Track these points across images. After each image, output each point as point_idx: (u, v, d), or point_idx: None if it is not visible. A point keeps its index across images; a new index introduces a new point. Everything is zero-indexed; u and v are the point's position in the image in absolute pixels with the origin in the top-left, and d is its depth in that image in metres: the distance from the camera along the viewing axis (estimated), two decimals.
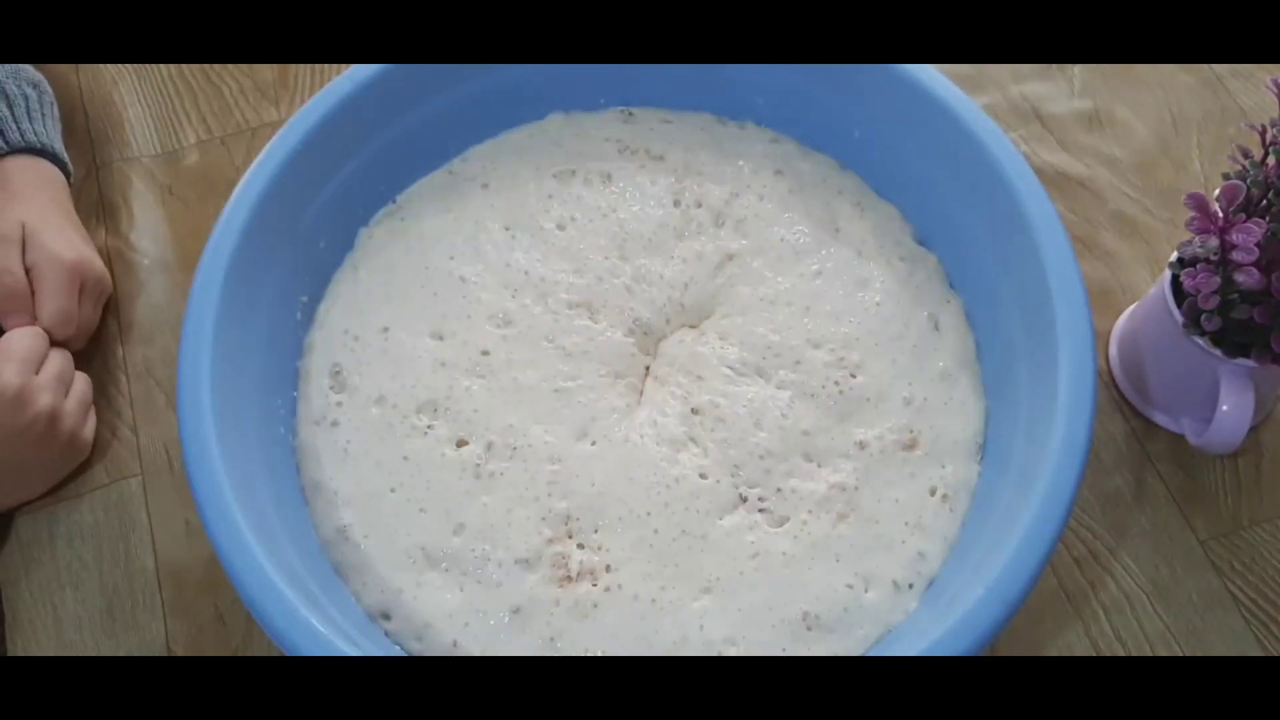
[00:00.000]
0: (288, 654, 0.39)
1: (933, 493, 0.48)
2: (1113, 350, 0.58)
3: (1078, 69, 0.69)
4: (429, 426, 0.49)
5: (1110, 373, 0.58)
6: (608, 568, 0.46)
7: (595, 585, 0.46)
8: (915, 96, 0.52)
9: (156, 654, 0.50)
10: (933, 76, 0.51)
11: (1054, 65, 0.69)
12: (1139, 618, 0.51)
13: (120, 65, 0.69)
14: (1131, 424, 0.56)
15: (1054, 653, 0.50)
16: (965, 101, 0.50)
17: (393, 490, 0.48)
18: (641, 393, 0.51)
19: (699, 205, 0.56)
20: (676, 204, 0.56)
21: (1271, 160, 0.47)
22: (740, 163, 0.57)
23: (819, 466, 0.49)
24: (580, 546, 0.47)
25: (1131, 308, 0.58)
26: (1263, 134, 0.47)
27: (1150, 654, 0.50)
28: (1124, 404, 0.57)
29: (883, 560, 0.46)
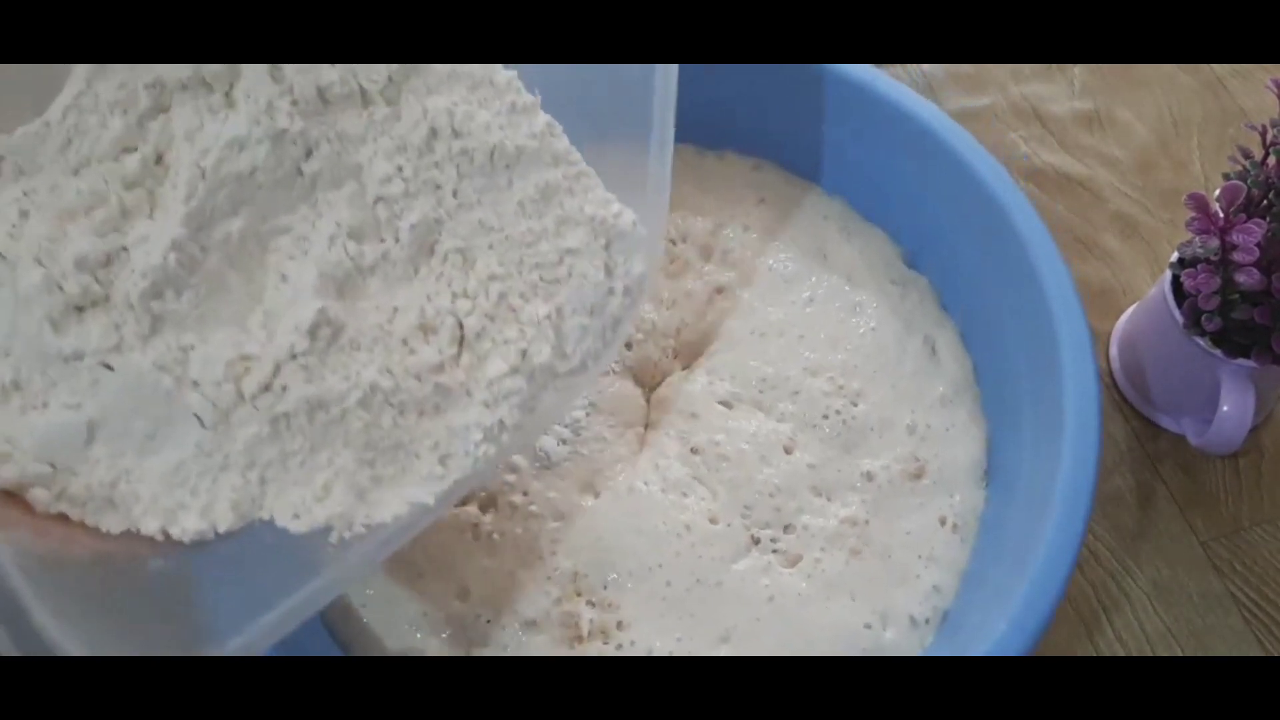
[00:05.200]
0: None
1: (943, 522, 0.48)
2: (1113, 351, 0.58)
3: (1078, 69, 0.69)
4: None
5: (1111, 374, 0.58)
6: (619, 624, 0.45)
7: (607, 644, 0.44)
8: (892, 116, 0.51)
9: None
10: (909, 95, 0.51)
11: (1054, 65, 0.69)
12: (1139, 618, 0.51)
13: None
14: (1132, 425, 0.56)
15: (1054, 653, 0.50)
16: (942, 118, 0.50)
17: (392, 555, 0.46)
18: (643, 441, 0.50)
19: (684, 240, 0.55)
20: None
21: (1272, 160, 0.47)
22: (723, 193, 0.56)
23: (828, 501, 0.48)
24: (590, 604, 0.45)
25: (1132, 308, 0.58)
26: (1263, 134, 0.47)
27: (1151, 654, 0.50)
28: (1125, 405, 0.57)
29: (898, 596, 0.46)
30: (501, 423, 0.36)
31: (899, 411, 0.50)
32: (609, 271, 0.39)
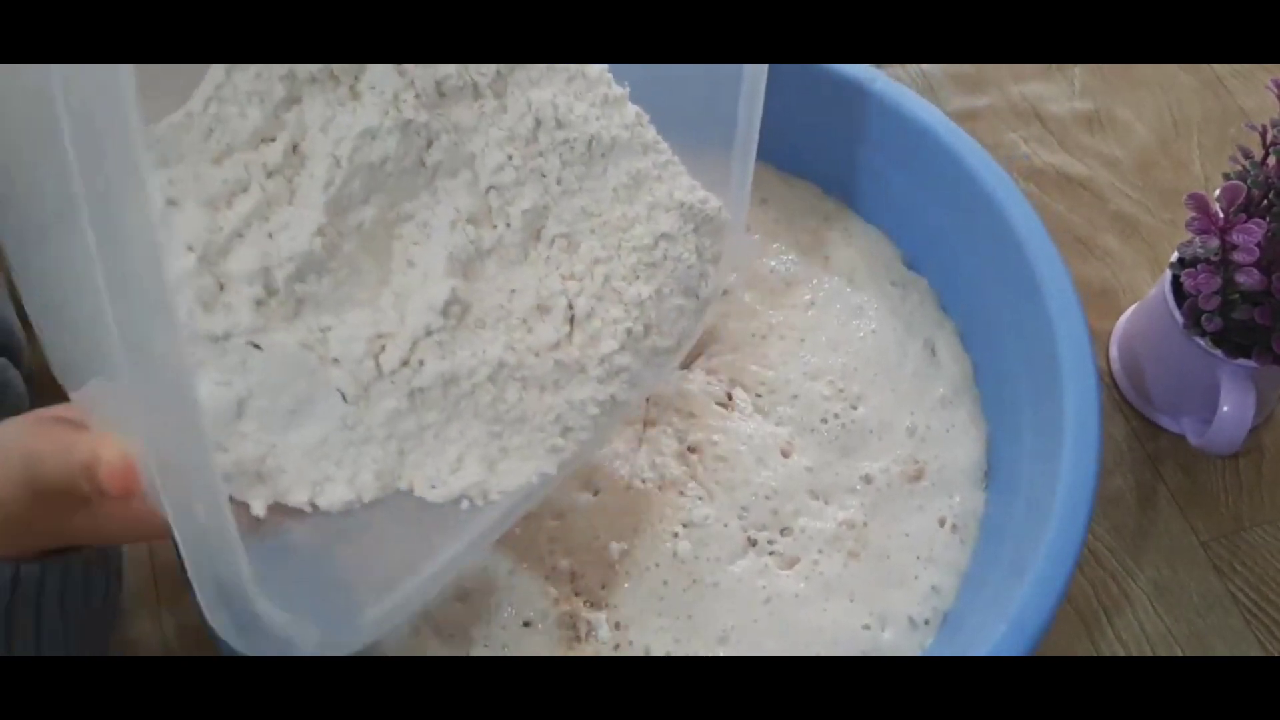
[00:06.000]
0: None
1: (942, 524, 0.48)
2: (1113, 351, 0.58)
3: (1078, 69, 0.69)
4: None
5: (1111, 374, 0.58)
6: (617, 625, 0.45)
7: (605, 644, 0.44)
8: (891, 117, 0.51)
9: (154, 653, 0.50)
10: (909, 96, 0.51)
11: (1054, 65, 0.69)
12: (1139, 618, 0.51)
13: None
14: (1132, 425, 0.56)
15: (1054, 653, 0.50)
16: (942, 119, 0.50)
17: None
18: (641, 439, 0.50)
19: None
20: None
21: (1272, 160, 0.47)
22: (724, 193, 0.56)
23: (826, 504, 0.48)
24: (588, 604, 0.45)
25: (1132, 308, 0.58)
26: (1263, 134, 0.47)
27: (1151, 654, 0.50)
28: (1125, 405, 0.57)
29: (897, 597, 0.46)
30: (614, 397, 0.39)
31: (898, 414, 0.50)
32: (699, 255, 0.42)
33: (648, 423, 0.50)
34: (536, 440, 0.37)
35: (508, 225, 0.39)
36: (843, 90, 0.52)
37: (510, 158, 0.39)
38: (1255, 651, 0.50)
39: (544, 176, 0.39)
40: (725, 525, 0.47)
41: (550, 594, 0.45)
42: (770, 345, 0.51)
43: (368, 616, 0.35)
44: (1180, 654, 0.50)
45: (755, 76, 0.43)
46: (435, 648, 0.45)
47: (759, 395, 0.50)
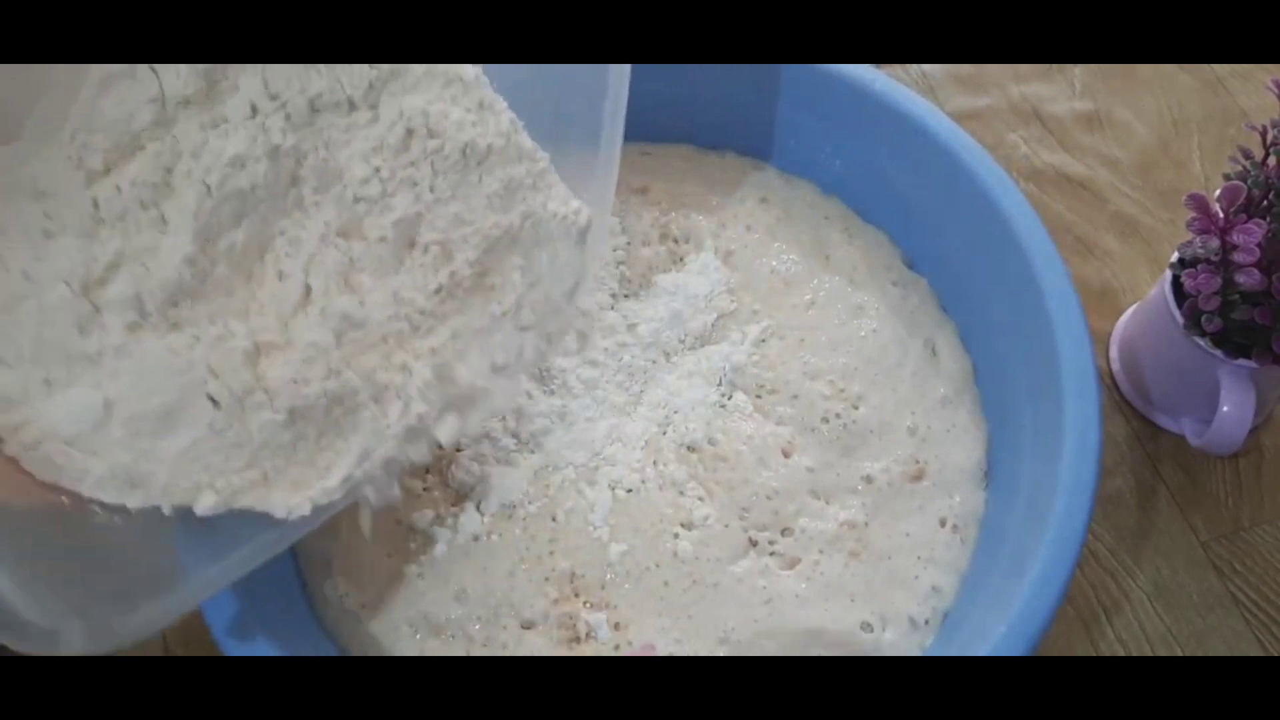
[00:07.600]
0: None
1: (943, 524, 0.48)
2: (1113, 351, 0.58)
3: (1078, 69, 0.69)
4: (424, 489, 0.48)
5: (1111, 374, 0.58)
6: (617, 625, 0.45)
7: (605, 644, 0.44)
8: (891, 117, 0.51)
9: (154, 653, 0.50)
10: (908, 96, 0.51)
11: (1054, 65, 0.69)
12: (1139, 619, 0.51)
13: None
14: (1133, 425, 0.56)
15: (1054, 653, 0.50)
16: (941, 119, 0.50)
17: (389, 556, 0.46)
18: (645, 441, 0.49)
19: (687, 240, 0.55)
20: (664, 238, 0.55)
21: (1272, 161, 0.47)
22: (725, 192, 0.56)
23: (826, 504, 0.48)
24: (588, 605, 0.45)
25: (1132, 308, 0.58)
26: (1263, 134, 0.47)
27: (1151, 654, 0.50)
28: (1125, 405, 0.57)
29: (897, 597, 0.46)
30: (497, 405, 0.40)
31: (899, 414, 0.50)
32: (567, 266, 0.42)
33: (647, 424, 0.50)
34: (408, 449, 0.38)
35: (380, 237, 0.39)
36: (843, 90, 0.52)
37: (377, 170, 0.39)
38: (1255, 651, 0.50)
39: (415, 185, 0.39)
40: (726, 525, 0.47)
41: (550, 594, 0.45)
42: (770, 345, 0.51)
43: (139, 615, 0.35)
44: (1180, 654, 0.50)
45: (619, 77, 0.43)
46: (434, 648, 0.45)
47: (759, 395, 0.50)
